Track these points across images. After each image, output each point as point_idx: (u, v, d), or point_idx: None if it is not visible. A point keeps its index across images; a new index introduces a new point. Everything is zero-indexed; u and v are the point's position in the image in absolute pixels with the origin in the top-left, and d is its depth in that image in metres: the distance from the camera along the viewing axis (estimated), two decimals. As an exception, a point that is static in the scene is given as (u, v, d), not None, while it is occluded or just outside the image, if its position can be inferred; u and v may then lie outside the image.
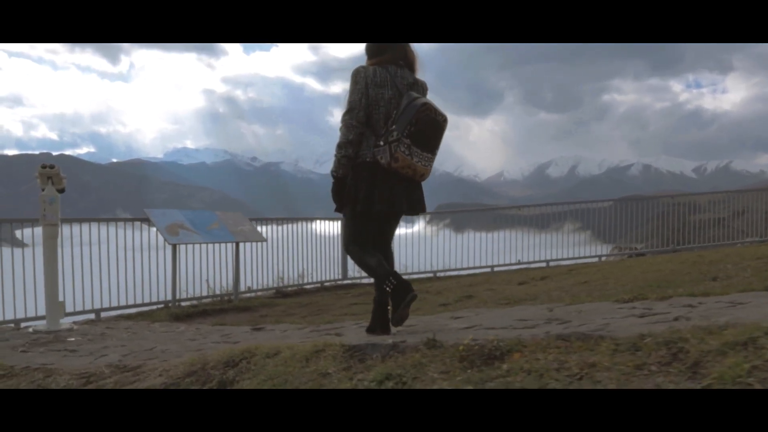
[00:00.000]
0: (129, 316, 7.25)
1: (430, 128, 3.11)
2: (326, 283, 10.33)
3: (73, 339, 5.56)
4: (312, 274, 10.15)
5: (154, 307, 7.65)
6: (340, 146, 3.16)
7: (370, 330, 3.35)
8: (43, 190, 5.93)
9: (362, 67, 3.26)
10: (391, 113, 3.15)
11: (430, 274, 11.08)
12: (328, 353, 2.63)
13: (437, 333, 3.00)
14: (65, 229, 6.97)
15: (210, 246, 8.30)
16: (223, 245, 8.42)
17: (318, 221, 10.45)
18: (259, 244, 8.77)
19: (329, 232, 10.46)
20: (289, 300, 8.70)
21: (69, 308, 6.43)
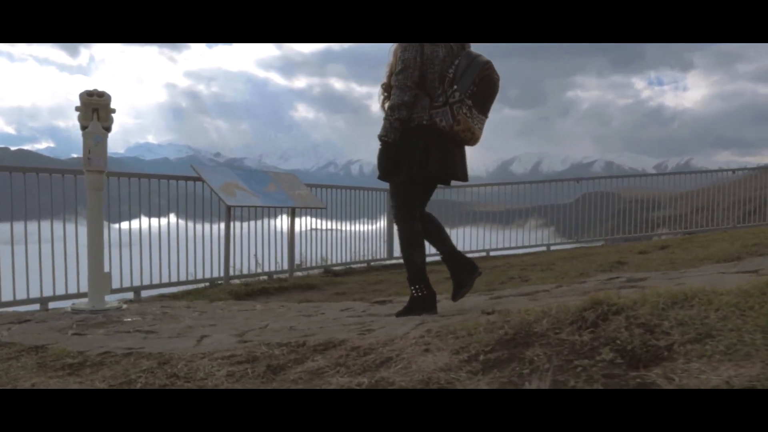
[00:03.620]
0: (174, 296, 5.90)
1: (489, 89, 2.90)
2: (372, 263, 9.10)
3: (131, 319, 4.23)
4: (358, 252, 8.91)
5: (199, 285, 6.29)
6: (393, 108, 2.87)
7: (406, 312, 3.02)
8: (85, 127, 4.54)
9: None
10: (445, 73, 2.91)
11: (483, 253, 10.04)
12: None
13: None
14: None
15: (258, 215, 6.98)
16: (270, 217, 7.10)
17: (361, 191, 9.13)
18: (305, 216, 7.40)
19: (375, 206, 9.22)
20: (350, 278, 7.45)
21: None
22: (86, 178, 4.58)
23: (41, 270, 4.96)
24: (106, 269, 4.73)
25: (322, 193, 8.20)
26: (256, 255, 6.98)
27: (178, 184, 6.13)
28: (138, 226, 5.90)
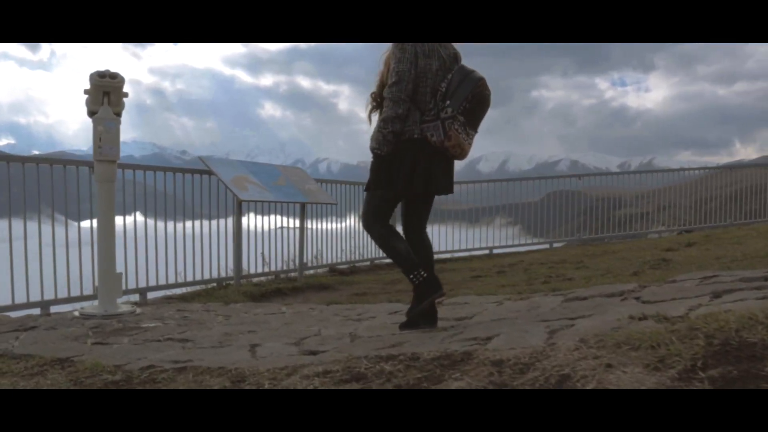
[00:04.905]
0: (183, 297, 5.46)
1: (481, 105, 2.85)
2: (376, 261, 8.74)
3: (151, 325, 3.82)
4: (363, 251, 8.50)
5: (207, 285, 5.84)
6: (386, 121, 2.78)
7: (410, 325, 2.85)
8: (94, 113, 4.09)
9: None
10: (437, 86, 2.84)
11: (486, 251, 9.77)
12: None
13: None
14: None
15: (266, 210, 6.56)
16: (276, 215, 6.67)
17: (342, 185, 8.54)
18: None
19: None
20: (360, 277, 7.10)
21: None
22: (96, 169, 4.14)
23: (42, 271, 4.47)
24: (118, 269, 4.28)
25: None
26: (263, 253, 6.56)
27: (184, 177, 5.68)
28: (140, 223, 5.43)
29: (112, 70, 4.10)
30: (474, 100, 2.79)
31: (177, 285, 5.59)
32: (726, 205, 11.51)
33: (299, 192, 6.25)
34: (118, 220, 4.36)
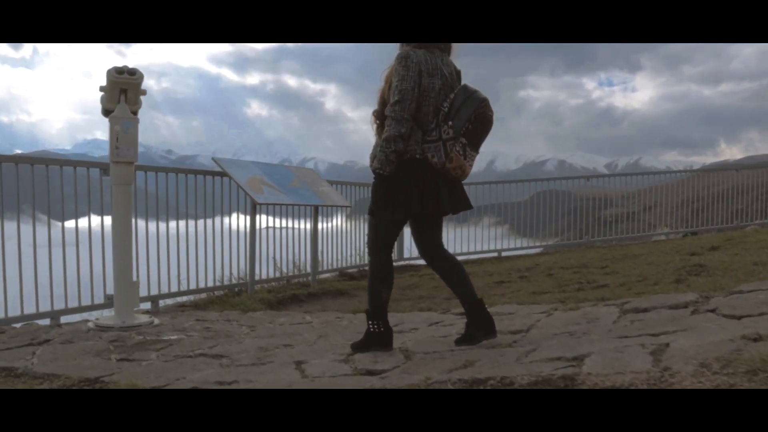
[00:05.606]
0: (196, 305, 5.23)
1: (484, 126, 2.80)
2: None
3: (174, 337, 3.60)
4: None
5: (218, 292, 5.60)
6: (389, 140, 2.72)
7: (467, 340, 2.80)
8: (109, 111, 3.86)
9: (412, 50, 2.78)
10: (440, 106, 2.80)
11: (494, 254, 9.58)
12: None
13: None
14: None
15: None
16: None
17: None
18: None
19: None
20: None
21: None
22: (112, 171, 3.90)
23: (52, 279, 4.21)
24: (134, 277, 4.05)
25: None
26: (274, 257, 6.33)
27: (197, 178, 5.43)
28: (144, 227, 5.16)
29: (126, 66, 3.86)
30: (477, 121, 2.75)
31: (189, 292, 5.35)
32: (726, 206, 11.44)
33: (314, 194, 6.04)
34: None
